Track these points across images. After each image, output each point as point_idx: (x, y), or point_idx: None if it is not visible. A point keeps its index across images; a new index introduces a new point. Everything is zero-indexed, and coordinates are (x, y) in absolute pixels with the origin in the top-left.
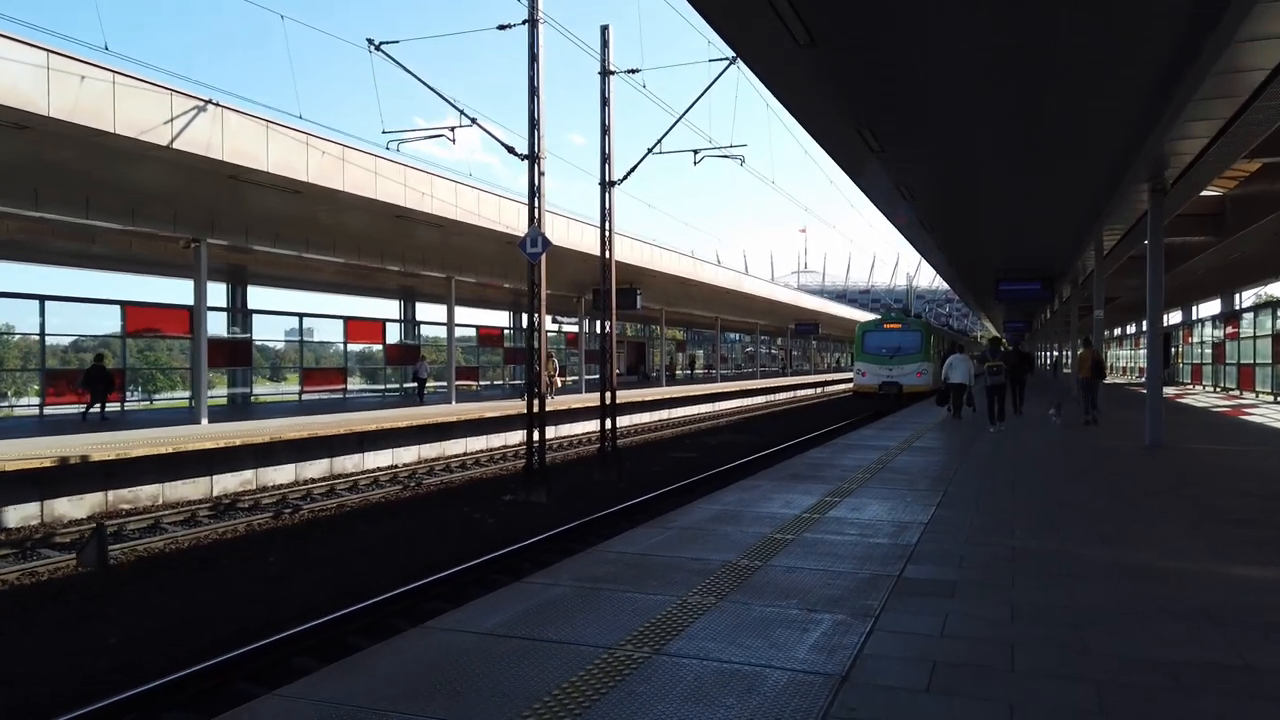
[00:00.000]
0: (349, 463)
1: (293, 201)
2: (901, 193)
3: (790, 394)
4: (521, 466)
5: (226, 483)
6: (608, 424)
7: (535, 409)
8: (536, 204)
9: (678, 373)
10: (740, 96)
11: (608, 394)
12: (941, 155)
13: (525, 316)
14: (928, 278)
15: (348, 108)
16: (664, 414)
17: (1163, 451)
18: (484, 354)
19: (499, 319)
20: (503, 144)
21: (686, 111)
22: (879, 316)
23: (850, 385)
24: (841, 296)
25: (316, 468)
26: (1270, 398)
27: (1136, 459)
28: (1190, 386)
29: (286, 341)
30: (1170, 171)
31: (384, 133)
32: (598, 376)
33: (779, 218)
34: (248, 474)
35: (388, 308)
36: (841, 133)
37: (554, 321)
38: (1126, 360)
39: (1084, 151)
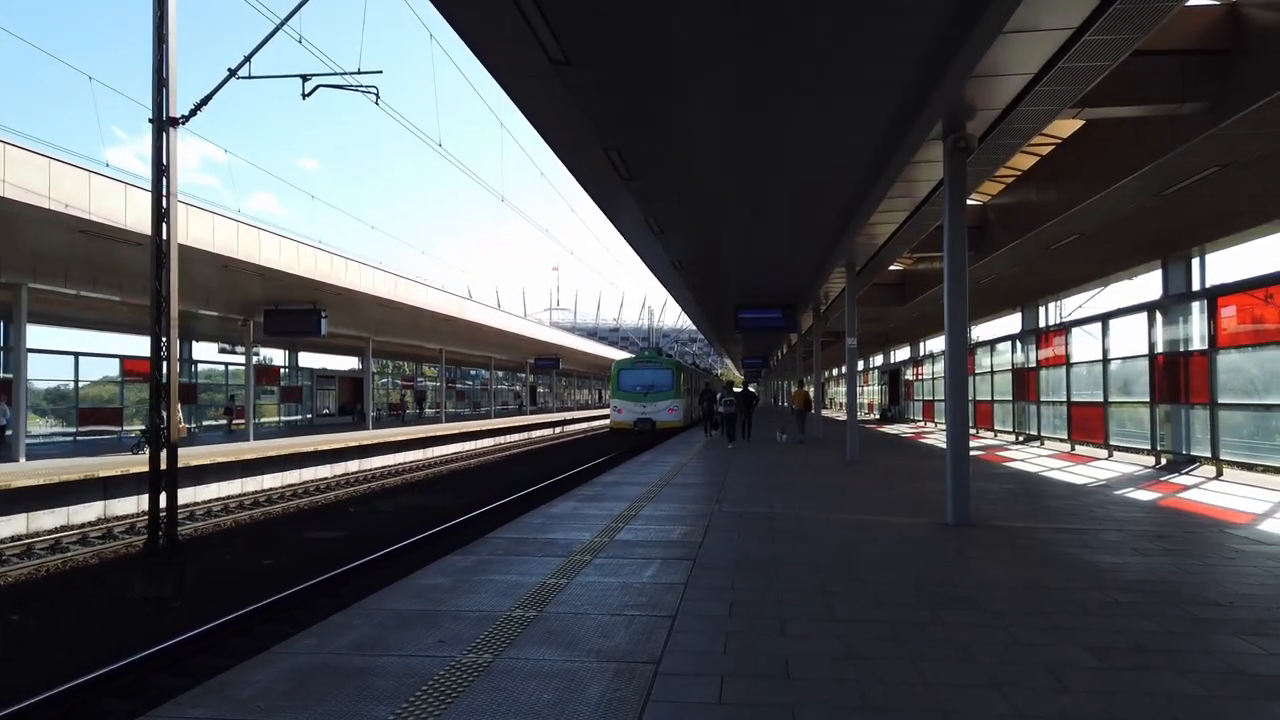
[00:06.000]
0: None
1: None
2: (614, 164)
3: (524, 434)
4: (65, 564)
5: None
6: (162, 502)
7: None
8: None
9: (408, 412)
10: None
11: (163, 456)
12: (639, 77)
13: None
14: (673, 316)
15: None
16: (352, 466)
17: (982, 536)
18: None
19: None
20: None
21: (290, 16)
22: (633, 355)
23: (587, 425)
24: (593, 334)
25: None
26: (1011, 437)
27: (968, 562)
28: (923, 424)
29: None
30: (975, 123)
31: None
32: (294, 418)
33: (534, 260)
34: None
35: None
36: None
37: (221, 351)
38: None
39: (838, 114)
